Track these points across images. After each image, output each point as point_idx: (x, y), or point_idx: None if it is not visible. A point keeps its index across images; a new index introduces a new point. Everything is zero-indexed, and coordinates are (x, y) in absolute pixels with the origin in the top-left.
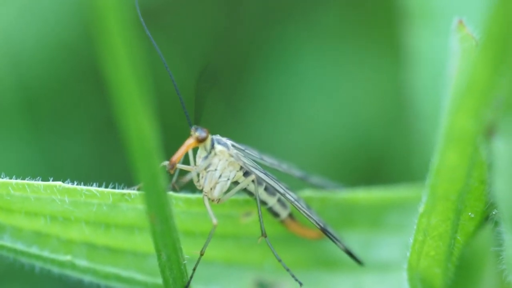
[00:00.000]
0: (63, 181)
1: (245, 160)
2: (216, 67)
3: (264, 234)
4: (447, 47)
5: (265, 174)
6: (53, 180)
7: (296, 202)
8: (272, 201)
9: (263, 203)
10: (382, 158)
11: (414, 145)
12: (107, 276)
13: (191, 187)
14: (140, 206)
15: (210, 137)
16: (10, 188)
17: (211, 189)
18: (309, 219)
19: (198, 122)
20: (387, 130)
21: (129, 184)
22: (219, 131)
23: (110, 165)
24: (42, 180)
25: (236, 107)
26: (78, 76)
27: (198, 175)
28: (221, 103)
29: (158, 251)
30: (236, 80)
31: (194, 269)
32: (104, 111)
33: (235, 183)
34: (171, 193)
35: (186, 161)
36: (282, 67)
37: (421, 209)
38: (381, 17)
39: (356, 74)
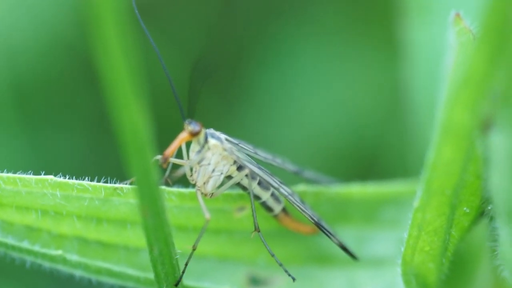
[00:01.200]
0: (55, 175)
1: (239, 154)
2: (211, 61)
3: (257, 229)
4: (443, 41)
5: (258, 168)
6: (44, 174)
7: (290, 197)
8: (265, 195)
9: (257, 197)
10: (377, 153)
11: (409, 140)
12: (98, 271)
13: (184, 181)
14: (133, 200)
15: (203, 131)
16: (1, 182)
17: (204, 183)
18: (303, 213)
19: (191, 116)
20: (382, 125)
21: (122, 178)
22: (213, 125)
23: (103, 160)
24: (33, 174)
25: (231, 101)
26: (71, 70)
27: (191, 169)
28: (215, 97)
29: (150, 245)
30: (231, 74)
31: (186, 264)
32: (97, 105)
33: (229, 177)
34: (164, 187)
35: (179, 155)
36: (278, 61)
37: (416, 204)
38: (378, 12)
39: (352, 70)
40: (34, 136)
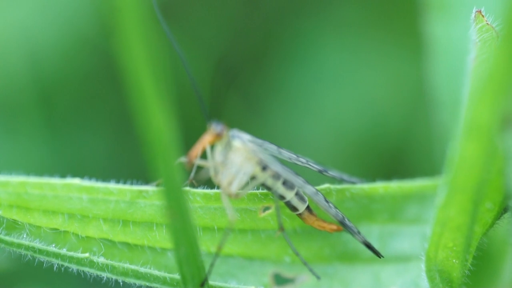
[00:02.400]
0: (81, 178)
1: (263, 155)
2: (233, 61)
3: (281, 228)
4: (467, 37)
5: (283, 168)
6: (70, 177)
7: (314, 196)
8: (290, 195)
9: (281, 197)
10: (402, 150)
11: (435, 136)
12: (125, 273)
13: (209, 182)
14: (158, 202)
15: (227, 132)
16: (27, 186)
17: (228, 184)
18: (327, 212)
19: (215, 116)
20: (407, 121)
21: (147, 179)
22: (237, 123)
23: (128, 161)
24: (59, 177)
25: (254, 99)
26: (96, 72)
27: (215, 170)
28: (238, 97)
29: (176, 246)
30: (253, 73)
31: (211, 264)
32: (122, 107)
33: (253, 177)
34: (189, 188)
35: (204, 156)
36: (300, 59)
37: (439, 200)
38: (401, 8)
39: (376, 66)
40: (59, 138)
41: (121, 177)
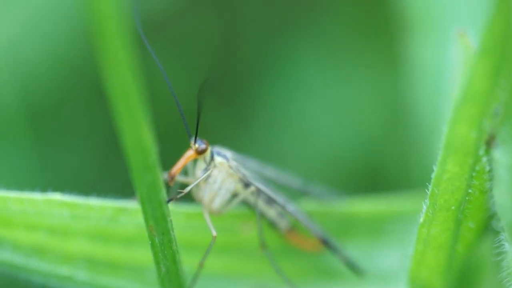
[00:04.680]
0: (63, 193)
1: (245, 172)
2: (218, 78)
3: (263, 246)
4: (446, 56)
5: (265, 185)
6: (52, 192)
7: (295, 214)
8: (271, 212)
9: (263, 215)
10: (381, 167)
11: (412, 154)
12: None
13: (191, 199)
14: (140, 219)
15: (209, 149)
16: (8, 202)
17: (210, 201)
18: (309, 230)
19: (198, 133)
20: (387, 139)
21: (131, 195)
22: (221, 140)
23: (111, 176)
24: (41, 192)
25: (238, 116)
26: (81, 88)
27: (197, 187)
28: (223, 111)
29: (157, 263)
30: (238, 91)
31: (193, 281)
32: (106, 124)
33: (235, 195)
34: (170, 205)
35: (185, 173)
36: (284, 78)
37: (421, 219)
38: (382, 28)
39: (357, 84)
40: (44, 153)
41: (105, 192)
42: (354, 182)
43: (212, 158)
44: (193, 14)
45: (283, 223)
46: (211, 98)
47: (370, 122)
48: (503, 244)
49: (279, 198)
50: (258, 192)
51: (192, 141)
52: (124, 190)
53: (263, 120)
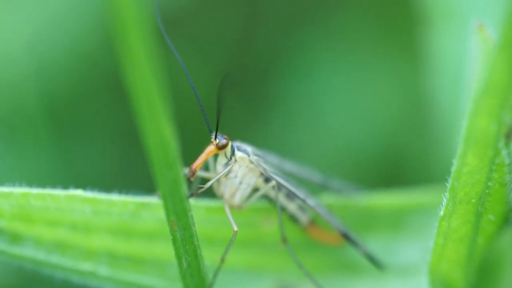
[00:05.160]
0: (84, 190)
1: (266, 167)
2: (238, 74)
3: (284, 240)
4: (466, 49)
5: (285, 180)
6: (74, 189)
7: (316, 208)
8: (292, 207)
9: (283, 209)
10: (400, 161)
11: (433, 148)
12: (128, 284)
13: (212, 194)
14: (161, 214)
15: (230, 144)
16: (30, 198)
17: (231, 196)
18: (330, 224)
19: (218, 129)
20: (407, 132)
21: (151, 191)
22: (241, 135)
23: (133, 172)
24: (62, 188)
25: (258, 111)
26: (101, 85)
27: (218, 182)
28: (243, 109)
29: (179, 258)
30: (257, 86)
31: (214, 276)
32: (127, 119)
33: (256, 189)
34: (191, 200)
35: (206, 168)
36: (303, 72)
37: (441, 212)
38: (400, 22)
39: (376, 78)
40: (64, 150)
41: (127, 188)
42: (374, 176)
43: (233, 153)
44: (212, 10)
45: (303, 217)
46: (230, 93)
47: (389, 116)
48: None
49: (299, 192)
50: (279, 186)
51: (213, 136)
52: (145, 185)
53: (281, 115)
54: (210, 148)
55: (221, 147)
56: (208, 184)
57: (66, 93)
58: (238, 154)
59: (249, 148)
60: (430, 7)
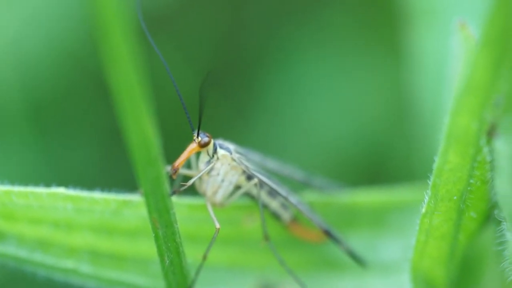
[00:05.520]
0: (66, 188)
1: (248, 164)
2: (221, 71)
3: (266, 238)
4: (448, 47)
5: (267, 177)
6: (56, 186)
7: (298, 205)
8: (274, 204)
9: (266, 206)
10: (383, 159)
11: (415, 145)
12: (110, 282)
13: (194, 191)
14: (143, 212)
15: (212, 141)
16: (13, 196)
17: (213, 193)
18: (312, 221)
19: (201, 126)
20: (390, 131)
21: (134, 189)
22: (224, 132)
23: (115, 170)
24: (45, 186)
25: (242, 108)
26: (84, 83)
27: (200, 179)
28: (226, 104)
29: (161, 255)
30: (241, 84)
31: (197, 273)
32: (110, 117)
33: (238, 187)
34: (173, 198)
35: (188, 166)
36: (288, 70)
37: (423, 209)
38: (384, 20)
39: (359, 76)
40: (47, 148)
41: (109, 186)
42: (356, 174)
43: (215, 150)
44: (197, 7)
45: (286, 215)
46: (213, 91)
47: (373, 114)
48: (504, 234)
49: (281, 189)
50: (261, 184)
51: (195, 134)
52: (127, 184)
53: (265, 113)
54: (192, 146)
55: (203, 145)
56: (190, 181)
57: (50, 91)
58: (220, 152)
59: (231, 146)
60: (412, 6)
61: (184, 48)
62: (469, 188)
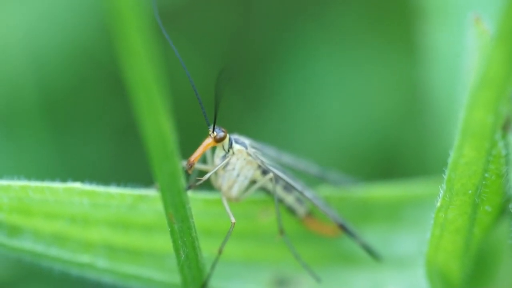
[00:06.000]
0: (82, 183)
1: (263, 159)
2: (234, 67)
3: (281, 232)
4: (462, 41)
5: (282, 172)
6: (72, 182)
7: (313, 200)
8: (289, 199)
9: (281, 201)
10: (397, 153)
11: (429, 140)
12: (126, 277)
13: (209, 186)
14: (159, 206)
15: (228, 136)
16: (29, 191)
17: (229, 188)
18: (327, 215)
19: (216, 121)
20: (403, 126)
21: (150, 183)
22: (238, 128)
23: (130, 166)
24: (61, 182)
25: (255, 104)
26: (98, 78)
27: (216, 174)
28: (239, 102)
29: (176, 250)
30: (254, 79)
31: (212, 267)
32: (124, 112)
33: (253, 182)
34: (189, 193)
35: (204, 161)
36: (299, 65)
37: (438, 203)
38: (397, 15)
39: (371, 71)
40: (62, 143)
41: (124, 180)
42: (370, 169)
43: (230, 145)
44: (207, 3)
45: (301, 209)
46: (227, 86)
47: (386, 108)
48: None
49: (297, 184)
50: (276, 178)
51: (211, 129)
52: (142, 178)
53: (277, 108)
54: (208, 141)
55: (219, 140)
56: (206, 176)
57: (63, 86)
58: (236, 146)
59: (246, 141)
60: (426, 0)
61: (195, 43)
62: (484, 182)
